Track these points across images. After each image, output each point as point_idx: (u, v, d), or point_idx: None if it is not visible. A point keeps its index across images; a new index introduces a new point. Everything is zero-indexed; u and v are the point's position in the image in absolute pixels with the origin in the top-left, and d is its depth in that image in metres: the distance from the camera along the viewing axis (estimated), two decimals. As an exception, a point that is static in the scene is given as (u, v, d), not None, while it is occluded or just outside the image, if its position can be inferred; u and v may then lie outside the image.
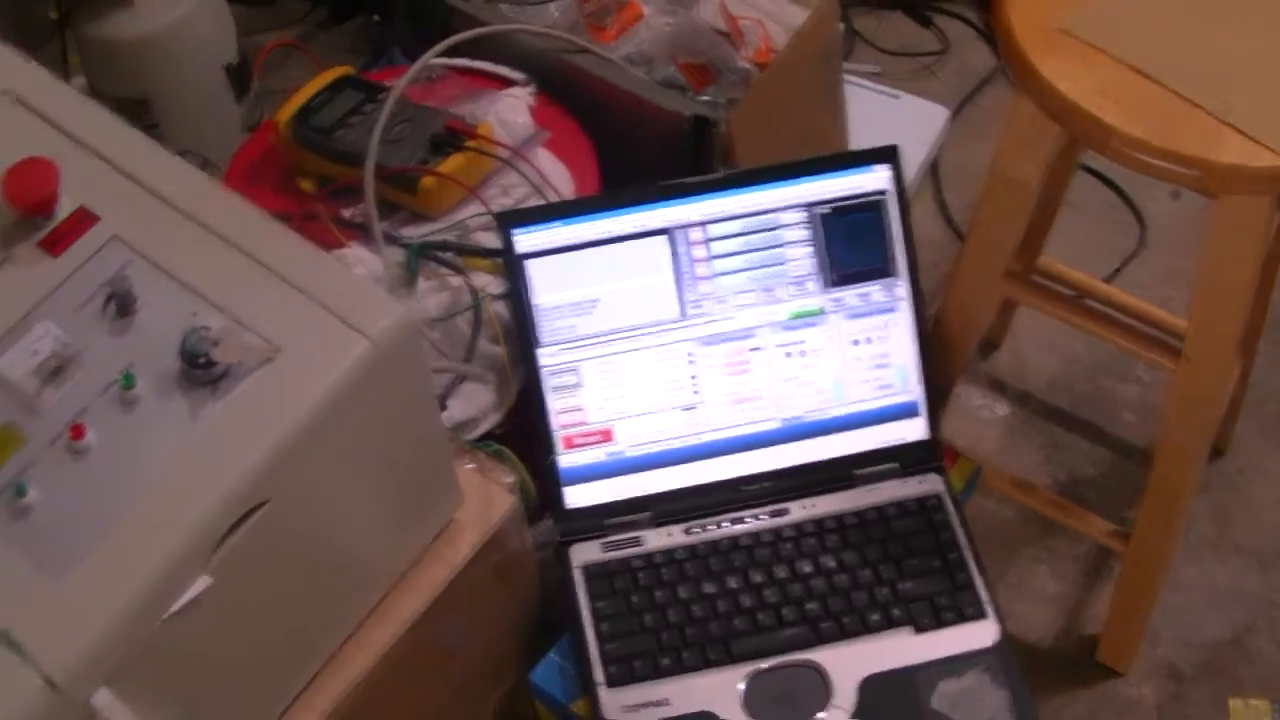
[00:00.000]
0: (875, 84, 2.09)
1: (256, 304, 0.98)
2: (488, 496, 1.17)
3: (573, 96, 1.52)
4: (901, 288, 1.30)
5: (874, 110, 1.98)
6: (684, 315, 1.27)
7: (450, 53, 1.50)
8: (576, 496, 1.27)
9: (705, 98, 1.51)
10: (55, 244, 1.03)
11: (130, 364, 0.97)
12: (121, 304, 0.99)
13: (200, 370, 0.95)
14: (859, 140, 1.73)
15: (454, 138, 1.38)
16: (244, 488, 0.93)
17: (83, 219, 1.04)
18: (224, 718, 1.01)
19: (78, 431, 0.95)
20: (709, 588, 1.24)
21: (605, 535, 1.27)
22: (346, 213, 1.37)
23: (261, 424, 0.94)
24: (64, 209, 1.04)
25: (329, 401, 0.95)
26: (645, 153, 1.50)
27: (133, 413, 0.96)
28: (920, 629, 1.22)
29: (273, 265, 1.00)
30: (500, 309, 1.30)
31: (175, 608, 0.91)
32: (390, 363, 0.98)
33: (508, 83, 1.51)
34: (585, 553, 1.26)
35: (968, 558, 1.26)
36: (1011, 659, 1.21)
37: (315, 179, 1.41)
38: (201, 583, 0.92)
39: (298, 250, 1.02)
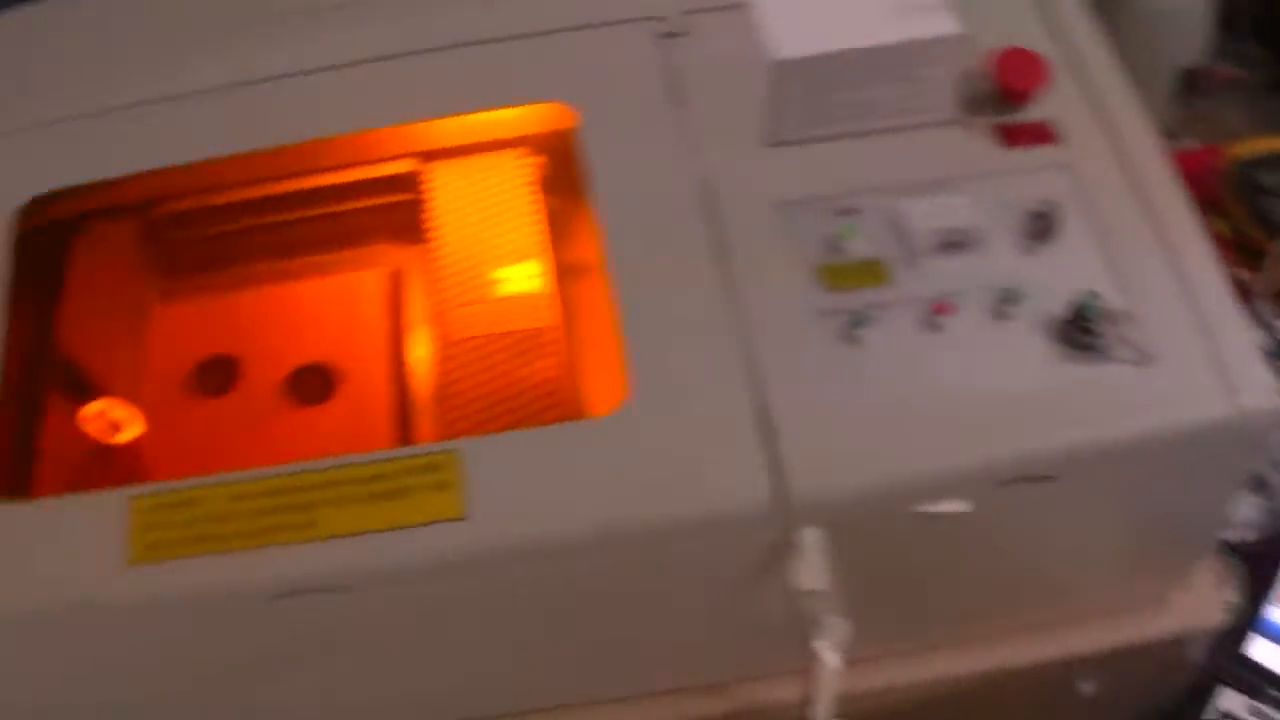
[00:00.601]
0: None
1: (1156, 307, 0.97)
2: (1205, 599, 1.14)
3: None
4: None
5: None
6: None
7: None
8: (1260, 650, 1.21)
9: None
10: (1010, 136, 1.04)
11: (1020, 284, 0.97)
12: (1042, 228, 0.99)
13: (1077, 331, 0.95)
14: None
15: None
16: (1049, 458, 0.93)
17: (1046, 132, 1.05)
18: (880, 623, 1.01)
19: (944, 308, 0.96)
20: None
21: (1257, 698, 1.21)
22: (1232, 271, 1.34)
23: (1101, 418, 0.93)
24: (1034, 113, 1.05)
25: (1161, 436, 0.93)
26: None
27: (998, 326, 0.96)
28: None
29: (1188, 278, 0.98)
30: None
31: (925, 509, 0.93)
32: (1234, 440, 0.95)
33: None
34: (1232, 701, 1.20)
35: None
36: None
37: (1229, 227, 1.39)
38: (959, 505, 0.93)
39: (1215, 280, 0.99)
